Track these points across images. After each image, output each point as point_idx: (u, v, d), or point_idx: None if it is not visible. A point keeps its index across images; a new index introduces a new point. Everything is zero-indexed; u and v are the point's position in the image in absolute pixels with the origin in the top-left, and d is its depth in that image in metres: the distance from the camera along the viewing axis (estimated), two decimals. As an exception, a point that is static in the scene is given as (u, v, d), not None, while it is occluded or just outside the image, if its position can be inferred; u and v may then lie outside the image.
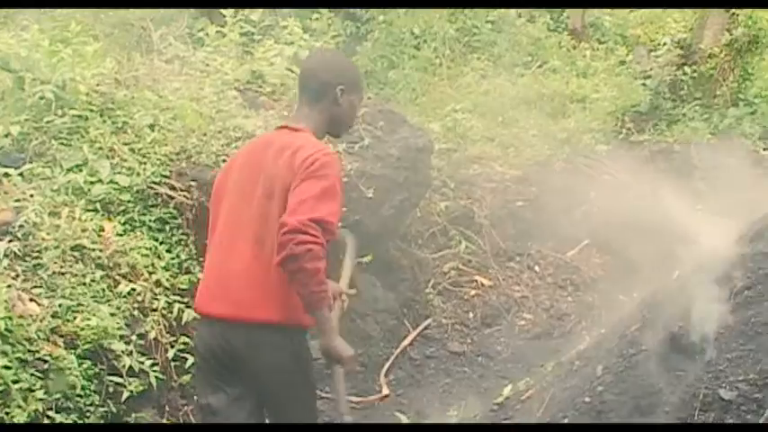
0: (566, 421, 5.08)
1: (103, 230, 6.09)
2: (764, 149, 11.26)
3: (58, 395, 5.10)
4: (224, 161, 6.94)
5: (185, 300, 6.30)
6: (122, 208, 6.39)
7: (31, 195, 5.97)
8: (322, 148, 4.36)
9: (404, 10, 12.97)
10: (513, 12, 14.13)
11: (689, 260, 6.04)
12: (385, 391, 7.08)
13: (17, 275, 5.44)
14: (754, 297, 4.92)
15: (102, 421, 5.26)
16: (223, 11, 9.52)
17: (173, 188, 6.65)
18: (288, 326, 4.31)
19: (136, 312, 5.93)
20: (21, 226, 5.66)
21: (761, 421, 4.36)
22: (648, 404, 4.81)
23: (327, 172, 4.27)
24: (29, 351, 5.12)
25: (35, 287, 5.44)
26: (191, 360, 6.20)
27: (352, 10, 13.13)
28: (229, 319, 4.33)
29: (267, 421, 4.49)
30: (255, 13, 9.94)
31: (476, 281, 8.38)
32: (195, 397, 5.71)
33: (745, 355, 4.68)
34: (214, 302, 4.39)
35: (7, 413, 4.85)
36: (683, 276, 5.56)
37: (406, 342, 7.55)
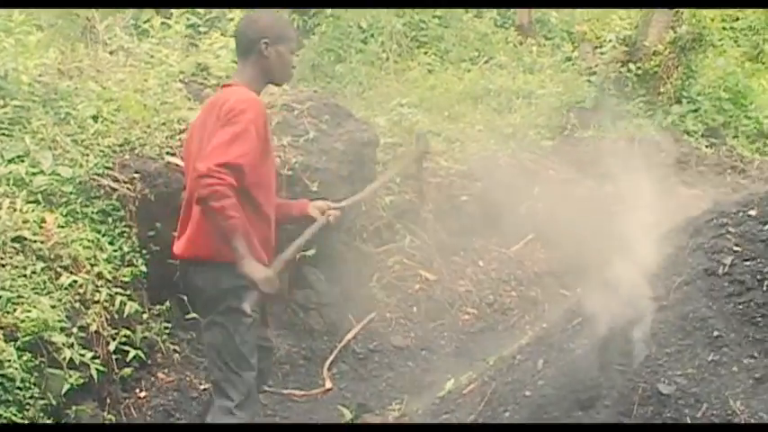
0: (506, 415, 5.12)
1: (45, 222, 6.05)
2: (707, 146, 11.37)
3: (-4, 387, 5.07)
4: (168, 153, 6.93)
5: (127, 292, 6.28)
6: (64, 200, 6.35)
7: (-28, 186, 5.94)
8: (241, 97, 4.88)
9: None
10: (460, 7, 14.21)
11: (630, 256, 6.10)
12: (328, 384, 7.07)
13: (-44, 267, 5.40)
14: (692, 293, 4.98)
15: (41, 414, 5.22)
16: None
17: (115, 180, 6.61)
18: (214, 260, 4.86)
19: (77, 305, 5.90)
20: (-39, 217, 5.62)
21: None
22: (588, 398, 4.85)
23: (240, 118, 4.77)
24: (-33, 343, 5.09)
25: (-26, 279, 5.40)
26: (132, 353, 6.18)
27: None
28: (183, 258, 5.03)
29: None
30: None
31: (420, 275, 8.39)
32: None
33: (683, 350, 4.74)
34: (179, 245, 5.06)
35: (-55, 405, 4.82)
36: (624, 271, 5.59)
37: (349, 336, 7.55)
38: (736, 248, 5.05)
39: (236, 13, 9.95)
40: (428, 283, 8.34)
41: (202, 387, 6.64)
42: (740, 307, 4.75)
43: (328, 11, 12.92)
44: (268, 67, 5.09)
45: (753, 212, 5.27)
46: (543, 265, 8.88)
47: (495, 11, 15.21)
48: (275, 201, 5.18)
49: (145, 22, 9.97)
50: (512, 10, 15.49)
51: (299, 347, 7.39)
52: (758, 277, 4.81)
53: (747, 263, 4.92)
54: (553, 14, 15.94)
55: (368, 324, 7.74)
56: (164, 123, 7.20)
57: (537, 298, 8.40)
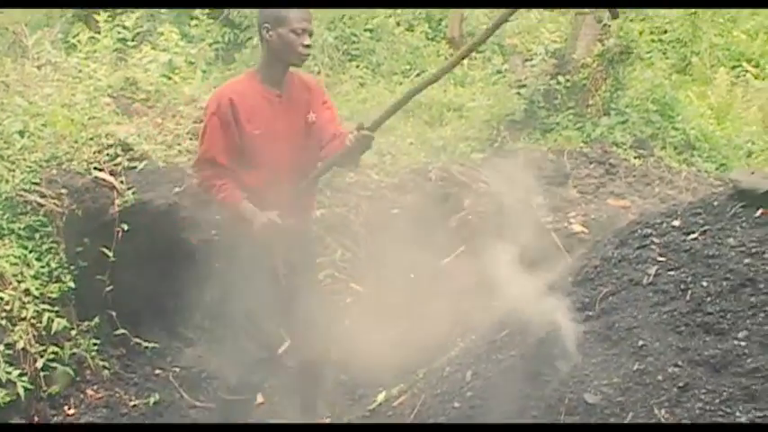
0: (435, 427, 5.14)
1: (-30, 238, 6.00)
2: (635, 157, 11.47)
3: None
4: (96, 168, 6.89)
5: (55, 308, 6.24)
6: (-10, 216, 6.30)
7: None
8: (211, 94, 5.85)
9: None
10: (391, 20, 14.21)
11: (558, 266, 6.16)
12: (260, 399, 7.05)
13: None
14: (618, 303, 5.03)
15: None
16: (97, 16, 9.41)
17: (43, 196, 6.57)
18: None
19: (3, 322, 5.86)
20: None
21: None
22: (516, 408, 4.89)
23: (205, 115, 5.67)
24: None
25: None
26: (61, 369, 6.13)
27: (231, 17, 13.06)
28: None
29: None
30: (130, 20, 9.83)
31: (351, 288, 8.38)
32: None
33: (609, 360, 4.79)
34: None
35: None
36: (551, 282, 5.64)
37: (281, 350, 7.52)
38: (660, 259, 5.11)
39: (166, 27, 9.91)
40: (359, 296, 8.34)
41: (132, 404, 6.60)
42: (664, 316, 4.81)
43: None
44: (274, 50, 5.61)
45: (676, 223, 5.34)
46: (474, 277, 8.91)
47: (426, 24, 15.27)
48: (295, 161, 5.79)
49: (74, 37, 9.88)
50: (443, 23, 15.57)
51: (230, 361, 7.35)
52: (682, 287, 4.87)
53: (671, 273, 4.99)
54: (484, 28, 16.00)
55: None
56: (91, 138, 7.15)
57: (468, 310, 8.42)
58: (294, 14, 5.59)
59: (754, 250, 4.78)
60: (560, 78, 11.97)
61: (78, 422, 6.30)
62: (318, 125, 5.87)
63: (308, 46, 5.63)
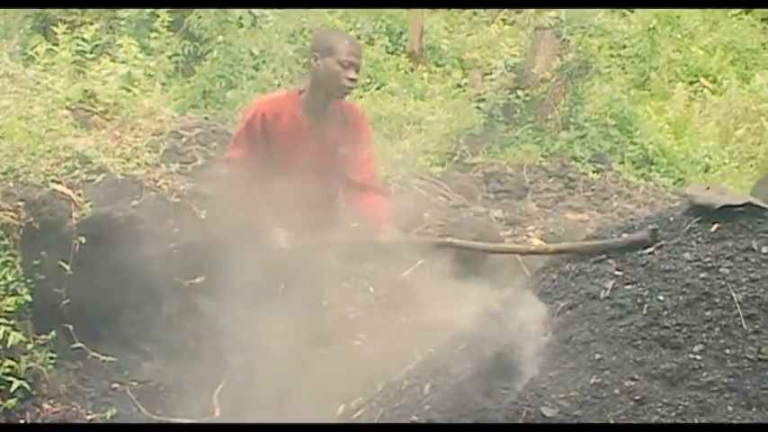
0: (393, 441, 5.14)
1: (-75, 251, 5.95)
2: (594, 172, 11.55)
3: None
4: (53, 181, 6.85)
5: (11, 322, 6.19)
6: (-54, 229, 6.25)
7: None
8: (254, 100, 6.82)
9: (243, 30, 12.93)
10: (352, 34, 14.25)
11: (516, 280, 6.18)
12: (217, 412, 7.02)
13: None
14: (575, 317, 5.04)
15: None
16: (55, 28, 9.35)
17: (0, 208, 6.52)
18: None
19: (-42, 336, 5.80)
20: None
21: None
22: (474, 422, 4.89)
23: (242, 120, 6.23)
24: None
25: None
26: (16, 383, 6.09)
27: (191, 29, 13.01)
28: None
29: None
30: (89, 32, 9.78)
31: (310, 301, 8.36)
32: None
33: (566, 373, 4.79)
34: None
35: None
36: (510, 296, 5.66)
37: (238, 362, 7.50)
38: (617, 273, 5.13)
39: (125, 39, 9.88)
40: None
41: (89, 417, 6.56)
42: (621, 330, 4.82)
43: (220, 37, 12.84)
44: (318, 79, 5.85)
45: (633, 237, 5.37)
46: (433, 290, 8.90)
47: (386, 38, 15.31)
48: (323, 188, 6.16)
49: (32, 49, 9.82)
50: (404, 37, 15.62)
51: (188, 375, 7.33)
52: (638, 301, 4.89)
53: (628, 287, 5.01)
54: (444, 41, 16.08)
55: (257, 350, 7.69)
56: (49, 151, 7.11)
57: (427, 323, 8.42)
58: (343, 47, 5.76)
59: (709, 265, 4.81)
60: (519, 93, 12.06)
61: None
62: (348, 160, 6.13)
63: (352, 80, 5.81)
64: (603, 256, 5.27)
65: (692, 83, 16.93)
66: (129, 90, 8.76)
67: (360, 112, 6.55)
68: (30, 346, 6.44)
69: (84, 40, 9.66)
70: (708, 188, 5.30)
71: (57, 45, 9.38)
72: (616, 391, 4.60)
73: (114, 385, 7.06)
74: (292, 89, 6.24)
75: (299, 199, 5.87)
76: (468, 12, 17.80)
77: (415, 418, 5.14)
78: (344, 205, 6.67)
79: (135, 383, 7.14)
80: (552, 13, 12.61)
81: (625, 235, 5.30)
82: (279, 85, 12.54)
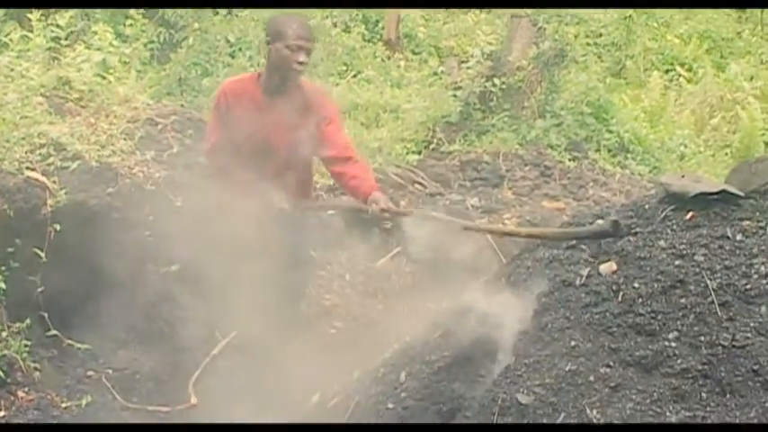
0: (369, 428, 5.15)
1: None
2: (570, 160, 11.56)
3: None
4: (28, 168, 6.82)
5: (-20, 316, 6.17)
6: None
7: None
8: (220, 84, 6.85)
9: (219, 18, 12.89)
10: (328, 21, 14.20)
11: (491, 267, 6.19)
12: (193, 400, 7.02)
13: None
14: (551, 304, 5.05)
15: None
16: (29, 15, 9.29)
17: (-27, 196, 6.48)
18: None
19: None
20: None
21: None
22: (449, 409, 4.91)
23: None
24: None
25: None
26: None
27: (166, 16, 12.96)
28: None
29: None
30: (64, 18, 9.71)
31: (286, 290, 8.35)
32: None
33: (542, 360, 4.81)
34: None
35: None
36: (484, 283, 5.66)
37: (215, 351, 7.49)
38: (592, 260, 5.14)
39: (100, 26, 9.82)
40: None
41: (64, 405, 6.54)
42: (596, 317, 4.83)
43: (195, 24, 12.81)
44: (270, 62, 6.13)
45: (608, 225, 5.38)
46: (409, 278, 8.93)
47: (363, 26, 15.27)
48: (280, 169, 6.27)
49: (6, 36, 9.75)
50: (380, 25, 15.58)
51: (164, 363, 7.32)
52: (613, 288, 4.90)
53: (603, 274, 5.02)
54: (421, 29, 16.06)
55: (233, 339, 7.69)
56: (23, 138, 7.07)
57: (403, 311, 8.43)
58: (292, 31, 5.95)
59: (684, 252, 4.83)
60: (496, 81, 12.05)
61: (8, 423, 6.24)
62: (319, 139, 6.26)
63: (302, 63, 5.99)
64: (577, 242, 5.28)
65: (667, 71, 16.99)
66: (104, 77, 8.72)
67: (321, 92, 6.79)
68: (4, 334, 6.42)
69: (58, 26, 9.59)
70: (683, 176, 5.31)
71: (31, 32, 9.32)
72: (591, 378, 4.61)
73: (89, 373, 7.05)
74: (255, 72, 6.54)
75: (258, 175, 6.08)
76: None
77: (390, 406, 5.15)
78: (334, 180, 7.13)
79: (110, 371, 7.12)
80: (528, 0, 12.62)
81: (592, 224, 5.32)
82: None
